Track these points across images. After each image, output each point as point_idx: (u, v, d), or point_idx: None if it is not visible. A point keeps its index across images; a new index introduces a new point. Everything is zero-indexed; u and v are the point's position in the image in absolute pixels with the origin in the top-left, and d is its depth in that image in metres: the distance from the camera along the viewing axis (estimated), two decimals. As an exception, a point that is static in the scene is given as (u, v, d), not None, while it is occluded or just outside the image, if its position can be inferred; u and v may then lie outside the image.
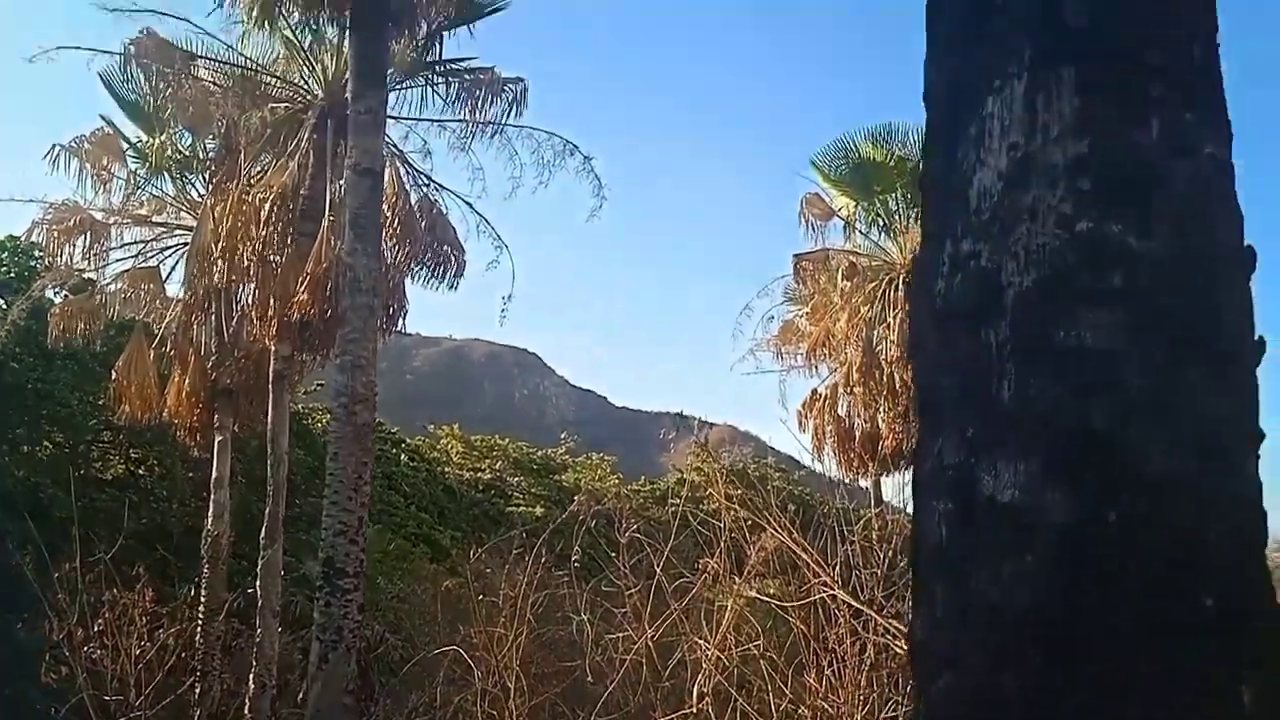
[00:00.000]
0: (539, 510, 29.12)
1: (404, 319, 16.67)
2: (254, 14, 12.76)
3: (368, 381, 10.51)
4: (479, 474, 32.28)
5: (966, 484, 1.89)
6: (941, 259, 2.06)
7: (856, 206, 21.60)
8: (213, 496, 17.25)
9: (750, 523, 7.94)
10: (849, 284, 21.22)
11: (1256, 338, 1.96)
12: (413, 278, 16.37)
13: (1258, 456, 1.89)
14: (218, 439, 17.36)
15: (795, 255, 22.36)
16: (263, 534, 15.90)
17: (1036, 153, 1.94)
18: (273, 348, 16.15)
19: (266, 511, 16.15)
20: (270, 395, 16.55)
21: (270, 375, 16.57)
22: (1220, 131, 1.97)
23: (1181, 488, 1.81)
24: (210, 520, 17.04)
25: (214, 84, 16.45)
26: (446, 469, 31.64)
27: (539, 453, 35.69)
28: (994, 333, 1.91)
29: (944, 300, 2.03)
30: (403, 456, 29.26)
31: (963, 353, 1.96)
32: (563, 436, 36.76)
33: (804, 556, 7.46)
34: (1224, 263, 1.92)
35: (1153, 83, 1.93)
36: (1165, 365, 1.82)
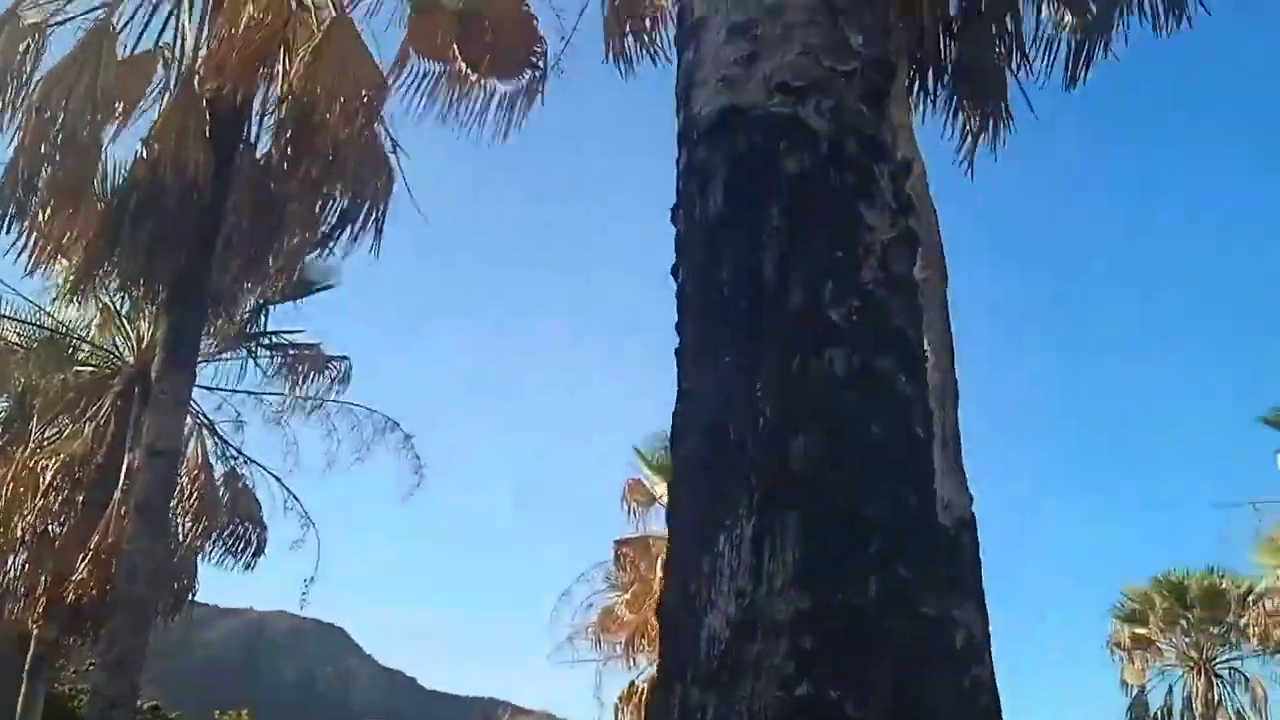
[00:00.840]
0: (331, 813, 26.40)
1: (191, 598, 15.50)
2: (70, 281, 12.41)
3: (132, 684, 9.50)
4: (267, 768, 29.21)
5: None
6: (672, 703, 1.97)
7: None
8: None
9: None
10: (669, 573, 21.21)
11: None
12: (206, 557, 15.31)
13: None
14: (-49, 735, 15.14)
15: (616, 541, 22.34)
16: None
17: (762, 603, 1.91)
18: (34, 629, 14.53)
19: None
20: (24, 684, 14.73)
21: (28, 661, 14.81)
22: (939, 586, 2.01)
23: None
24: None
25: (16, 344, 15.72)
26: (230, 762, 28.54)
27: (338, 743, 32.82)
28: (718, 803, 1.80)
29: (673, 756, 1.92)
30: (181, 748, 26.32)
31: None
32: (366, 726, 34.11)
33: None
34: (946, 724, 1.89)
35: (871, 538, 1.96)
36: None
